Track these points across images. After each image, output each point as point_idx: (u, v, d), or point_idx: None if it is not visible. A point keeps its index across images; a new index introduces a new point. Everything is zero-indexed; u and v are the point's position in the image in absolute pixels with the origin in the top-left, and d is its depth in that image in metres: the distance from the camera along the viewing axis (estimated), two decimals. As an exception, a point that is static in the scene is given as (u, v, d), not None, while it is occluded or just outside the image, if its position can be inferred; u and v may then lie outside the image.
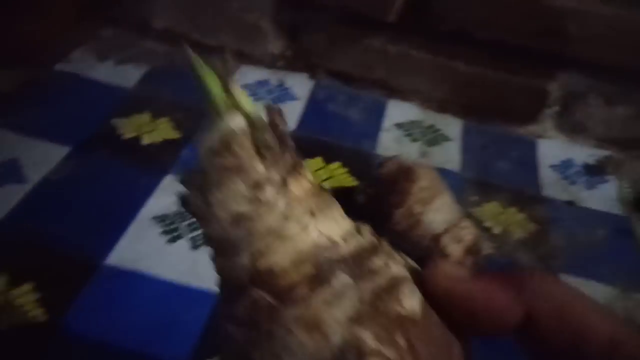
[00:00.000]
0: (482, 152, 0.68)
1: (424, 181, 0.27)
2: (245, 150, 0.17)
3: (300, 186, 0.18)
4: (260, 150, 0.18)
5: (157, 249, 0.48)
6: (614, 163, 0.69)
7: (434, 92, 0.71)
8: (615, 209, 0.64)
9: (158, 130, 0.60)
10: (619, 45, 0.62)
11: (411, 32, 0.67)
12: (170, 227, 0.50)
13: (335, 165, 0.61)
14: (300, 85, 0.72)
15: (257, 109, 0.19)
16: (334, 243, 0.17)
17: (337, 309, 0.15)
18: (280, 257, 0.16)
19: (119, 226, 0.49)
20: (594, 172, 0.68)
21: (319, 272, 0.16)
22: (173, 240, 0.49)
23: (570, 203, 0.63)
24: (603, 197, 0.65)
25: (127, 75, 0.68)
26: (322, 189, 0.19)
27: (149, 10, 0.73)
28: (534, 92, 0.68)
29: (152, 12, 0.73)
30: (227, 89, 0.18)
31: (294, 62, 0.74)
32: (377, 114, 0.70)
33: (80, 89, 0.65)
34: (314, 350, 0.15)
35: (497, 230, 0.58)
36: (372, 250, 0.17)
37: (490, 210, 0.60)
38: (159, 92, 0.66)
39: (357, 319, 0.15)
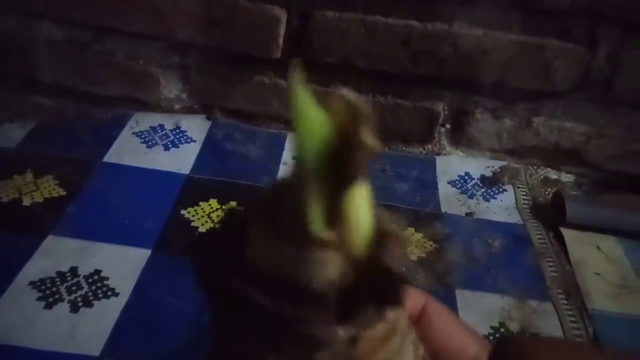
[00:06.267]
0: (382, 176, 0.69)
1: None
2: None
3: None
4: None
5: (32, 317, 0.45)
6: (509, 173, 0.71)
7: (331, 121, 0.72)
8: (514, 218, 0.66)
9: (40, 190, 0.58)
10: (491, 64, 0.65)
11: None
12: (47, 292, 0.48)
13: (232, 205, 0.60)
14: (197, 127, 0.71)
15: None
16: None
17: None
18: None
19: (-12, 298, 0.46)
20: (491, 183, 0.70)
21: None
22: (50, 305, 0.47)
23: (469, 214, 0.64)
24: (501, 207, 0.67)
25: (10, 135, 0.65)
26: None
27: (35, 64, 0.71)
28: (426, 113, 0.70)
29: (38, 66, 0.71)
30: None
31: (190, 104, 0.73)
32: (276, 148, 0.70)
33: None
34: None
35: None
36: None
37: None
38: (44, 149, 0.63)
39: None
